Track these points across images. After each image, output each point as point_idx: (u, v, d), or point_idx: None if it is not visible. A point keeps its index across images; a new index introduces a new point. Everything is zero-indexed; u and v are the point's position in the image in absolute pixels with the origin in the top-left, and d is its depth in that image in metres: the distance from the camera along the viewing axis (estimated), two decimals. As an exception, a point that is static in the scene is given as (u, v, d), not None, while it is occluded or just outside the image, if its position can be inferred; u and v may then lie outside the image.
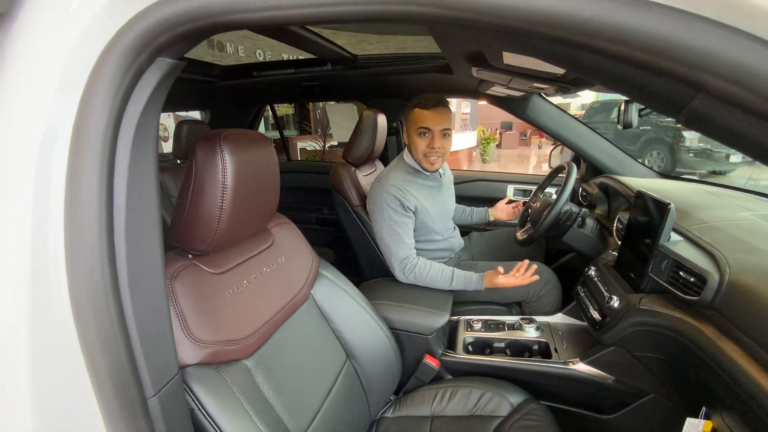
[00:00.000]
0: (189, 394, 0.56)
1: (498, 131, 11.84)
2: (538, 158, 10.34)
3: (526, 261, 1.19)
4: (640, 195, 0.99)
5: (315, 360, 0.86)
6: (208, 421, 0.55)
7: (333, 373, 0.90)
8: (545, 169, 1.59)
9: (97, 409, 0.37)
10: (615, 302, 0.94)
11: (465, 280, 1.24)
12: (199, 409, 0.55)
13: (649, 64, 0.24)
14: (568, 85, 0.81)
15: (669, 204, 0.86)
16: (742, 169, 6.91)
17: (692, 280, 0.78)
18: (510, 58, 0.65)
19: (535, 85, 0.89)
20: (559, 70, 0.66)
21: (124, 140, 0.36)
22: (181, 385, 0.50)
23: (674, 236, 0.91)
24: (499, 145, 11.37)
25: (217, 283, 0.69)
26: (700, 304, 0.76)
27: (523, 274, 1.17)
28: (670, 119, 7.39)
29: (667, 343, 0.84)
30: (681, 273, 0.81)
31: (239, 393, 0.62)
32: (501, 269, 1.18)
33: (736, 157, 6.71)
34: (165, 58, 0.38)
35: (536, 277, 1.16)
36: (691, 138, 6.85)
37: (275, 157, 0.77)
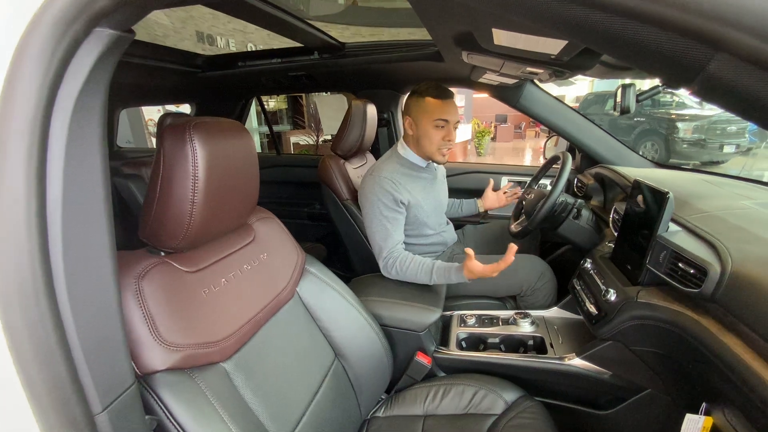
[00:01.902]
0: (157, 403, 0.52)
1: (493, 124, 11.78)
2: (534, 151, 10.32)
3: (511, 245, 1.03)
4: (637, 185, 0.96)
5: (301, 360, 0.82)
6: (178, 431, 0.51)
7: (320, 373, 0.86)
8: (542, 162, 1.55)
9: (37, 430, 0.33)
10: (612, 295, 0.91)
11: (445, 272, 1.14)
12: (169, 419, 0.51)
13: (654, 17, 0.20)
14: (562, 68, 0.77)
15: (667, 193, 0.83)
16: (736, 159, 6.95)
17: (692, 271, 0.75)
18: (501, 38, 0.61)
19: (528, 69, 0.85)
20: (552, 51, 0.62)
21: (58, 124, 0.32)
22: (138, 396, 0.46)
23: (672, 226, 0.87)
24: (494, 138, 11.32)
25: (191, 282, 0.65)
26: (700, 297, 0.73)
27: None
28: (663, 110, 7.39)
29: (665, 337, 0.81)
30: (680, 264, 0.78)
31: (214, 399, 0.58)
32: (470, 251, 1.06)
33: (729, 147, 6.75)
34: (105, 29, 0.33)
35: (511, 258, 1.01)
36: (685, 129, 6.87)
37: (253, 147, 0.72)
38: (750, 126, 7.18)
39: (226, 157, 0.65)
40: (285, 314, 0.83)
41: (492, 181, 1.69)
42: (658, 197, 0.86)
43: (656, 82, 0.99)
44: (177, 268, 0.63)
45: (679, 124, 6.92)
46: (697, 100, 8.01)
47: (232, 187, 0.68)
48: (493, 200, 1.62)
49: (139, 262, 0.59)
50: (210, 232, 0.67)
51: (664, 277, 0.81)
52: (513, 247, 1.01)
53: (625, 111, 0.86)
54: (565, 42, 0.53)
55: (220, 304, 0.68)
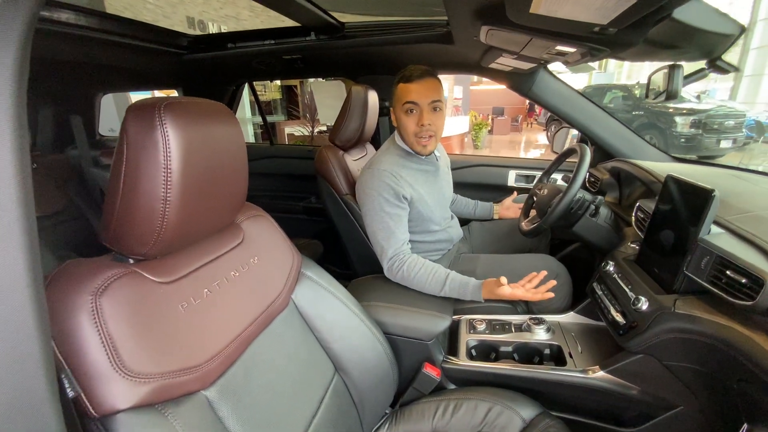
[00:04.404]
0: (118, 453, 0.41)
1: (490, 117, 11.65)
2: (528, 143, 10.24)
3: (543, 273, 0.99)
4: (672, 180, 0.86)
5: (297, 378, 0.72)
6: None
7: (319, 391, 0.77)
8: (533, 155, 1.46)
9: None
10: (643, 304, 0.82)
11: (460, 287, 1.04)
12: (133, 472, 0.41)
13: None
14: (600, 46, 0.67)
15: (713, 191, 0.73)
16: (732, 154, 6.94)
17: (744, 281, 0.66)
18: (542, 5, 0.50)
19: (558, 48, 0.74)
20: (602, 20, 0.52)
21: None
22: None
23: (714, 228, 0.78)
24: (490, 131, 11.20)
25: (166, 295, 0.54)
26: (752, 310, 0.64)
27: (535, 288, 0.98)
28: (662, 103, 7.32)
29: (707, 353, 0.72)
30: (728, 272, 0.69)
31: (192, 439, 0.48)
32: (504, 279, 0.98)
33: (726, 142, 6.74)
34: None
35: (551, 294, 0.97)
36: (683, 123, 6.83)
37: (240, 133, 0.61)
38: (747, 120, 7.17)
39: (208, 144, 0.54)
40: (278, 326, 0.73)
41: (516, 193, 1.62)
42: (699, 196, 0.77)
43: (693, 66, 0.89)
44: (148, 279, 0.52)
45: (677, 118, 6.88)
46: (695, 93, 7.95)
47: (216, 181, 0.57)
48: (512, 211, 1.56)
49: (100, 273, 0.48)
50: (189, 234, 0.57)
51: (708, 286, 0.72)
52: (550, 285, 0.97)
53: (672, 96, 0.76)
54: (631, 3, 0.43)
55: (202, 319, 0.57)
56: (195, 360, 0.53)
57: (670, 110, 7.06)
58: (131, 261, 0.53)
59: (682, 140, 6.86)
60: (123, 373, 0.45)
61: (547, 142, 9.74)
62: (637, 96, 7.73)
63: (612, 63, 15.34)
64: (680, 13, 0.56)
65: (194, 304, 0.57)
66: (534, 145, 10.03)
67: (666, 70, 0.84)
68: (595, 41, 0.65)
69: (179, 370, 0.50)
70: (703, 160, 1.50)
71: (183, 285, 0.57)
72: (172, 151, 0.48)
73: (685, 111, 6.94)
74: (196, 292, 0.59)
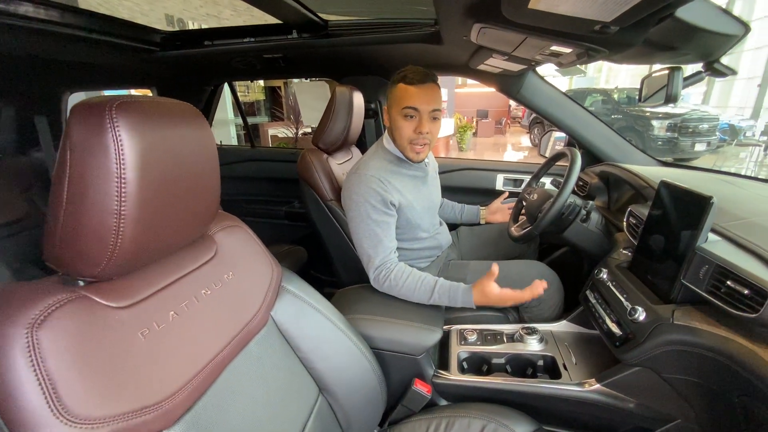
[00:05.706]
0: None
1: (474, 119, 11.76)
2: (512, 146, 10.36)
3: (544, 283, 0.98)
4: (665, 186, 0.84)
5: (277, 403, 0.66)
6: None
7: (301, 416, 0.71)
8: (517, 157, 1.44)
9: None
10: (640, 315, 0.79)
11: (450, 291, 1.00)
12: None
13: None
14: (598, 46, 0.63)
15: (711, 198, 0.71)
16: (706, 157, 7.18)
17: (746, 292, 0.63)
18: (542, 0, 0.46)
19: (553, 49, 0.71)
20: (606, 17, 0.48)
21: None
22: None
23: (711, 236, 0.76)
24: (475, 134, 11.30)
25: (121, 322, 0.47)
26: (755, 323, 0.62)
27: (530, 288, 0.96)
28: (639, 108, 7.51)
29: (707, 366, 0.70)
30: (728, 282, 0.67)
31: (152, 492, 0.41)
32: (495, 269, 0.93)
33: (701, 145, 6.96)
34: None
35: (540, 291, 0.95)
36: (659, 127, 7.04)
37: (210, 135, 0.55)
38: (721, 124, 7.44)
39: (171, 149, 0.47)
40: (256, 347, 0.67)
41: (506, 193, 1.57)
42: (696, 202, 0.75)
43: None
44: (100, 305, 0.46)
45: (654, 122, 7.08)
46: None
47: (182, 191, 0.51)
48: (499, 215, 1.52)
49: (39, 299, 0.41)
50: (150, 251, 0.50)
51: (707, 297, 0.70)
52: (541, 284, 0.94)
53: (672, 99, 0.74)
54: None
55: (167, 347, 0.51)
56: (156, 395, 0.47)
57: (647, 114, 7.27)
58: (81, 283, 0.46)
59: (659, 143, 7.07)
60: (65, 419, 0.38)
61: (530, 144, 9.88)
62: (616, 100, 7.92)
63: (591, 68, 15.73)
64: (683, 12, 0.53)
65: (157, 330, 0.51)
66: (517, 147, 10.16)
67: (659, 74, 0.82)
68: (594, 41, 0.62)
69: (136, 410, 0.44)
70: (692, 166, 1.51)
71: (144, 308, 0.50)
72: (127, 158, 0.41)
73: (661, 115, 7.16)
74: (161, 315, 0.52)
